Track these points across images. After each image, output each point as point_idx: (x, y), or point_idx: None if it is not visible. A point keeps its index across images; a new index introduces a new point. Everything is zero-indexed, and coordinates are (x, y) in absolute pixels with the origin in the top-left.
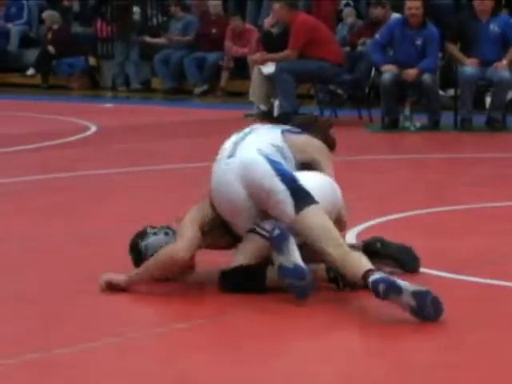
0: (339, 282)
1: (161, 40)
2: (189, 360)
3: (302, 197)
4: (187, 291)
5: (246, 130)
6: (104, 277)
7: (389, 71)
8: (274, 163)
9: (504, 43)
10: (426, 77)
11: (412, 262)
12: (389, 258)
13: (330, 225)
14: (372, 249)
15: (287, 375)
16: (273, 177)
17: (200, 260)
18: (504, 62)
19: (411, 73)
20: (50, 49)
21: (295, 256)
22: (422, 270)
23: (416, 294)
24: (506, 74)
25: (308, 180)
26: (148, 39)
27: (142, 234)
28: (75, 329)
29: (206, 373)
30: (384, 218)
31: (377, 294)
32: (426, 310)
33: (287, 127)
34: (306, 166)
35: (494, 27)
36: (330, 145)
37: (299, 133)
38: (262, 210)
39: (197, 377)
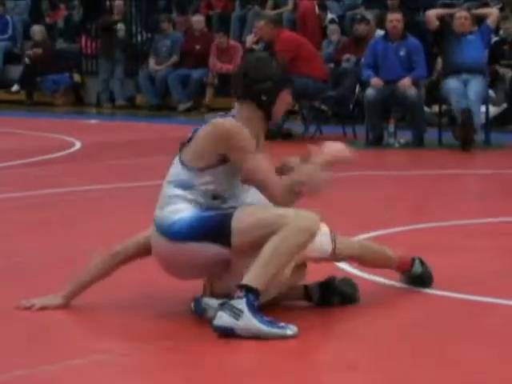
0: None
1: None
2: (174, 377)
3: (217, 228)
4: (173, 308)
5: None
6: (37, 304)
7: (376, 85)
8: (165, 231)
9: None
10: (412, 92)
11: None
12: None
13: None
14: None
15: None
16: (176, 247)
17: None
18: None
19: (405, 81)
20: (27, 60)
21: (212, 302)
22: (404, 286)
23: None
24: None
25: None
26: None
27: None
28: (62, 346)
29: None
30: (367, 235)
31: None
32: None
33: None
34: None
35: (471, 38)
36: (281, 86)
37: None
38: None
39: None
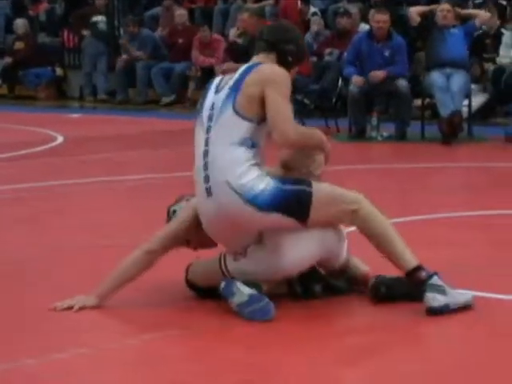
0: (299, 291)
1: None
2: (158, 371)
3: (296, 203)
4: (157, 301)
5: (216, 98)
6: (75, 304)
7: (358, 84)
8: (251, 200)
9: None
10: (401, 84)
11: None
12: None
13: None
14: (378, 295)
15: None
16: (260, 216)
17: (168, 270)
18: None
19: (378, 74)
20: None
21: (245, 289)
22: None
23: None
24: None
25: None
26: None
27: (178, 199)
28: (43, 339)
29: None
30: (350, 228)
31: None
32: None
33: (246, 69)
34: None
35: (454, 31)
36: (301, 56)
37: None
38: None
39: None
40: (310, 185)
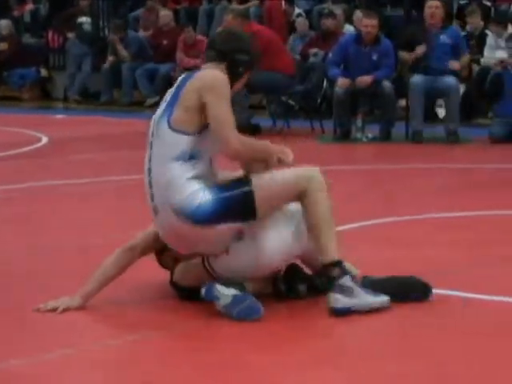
0: (283, 289)
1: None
2: (142, 372)
3: (240, 207)
4: (141, 303)
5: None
6: (60, 306)
7: (343, 86)
8: (194, 220)
9: (455, 53)
10: (385, 85)
11: (414, 295)
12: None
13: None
14: None
15: None
16: (207, 231)
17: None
18: (456, 63)
19: (365, 79)
20: None
21: (227, 291)
22: None
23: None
24: (452, 82)
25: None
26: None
27: None
28: (30, 340)
29: None
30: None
31: None
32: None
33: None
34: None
35: (444, 38)
36: (253, 65)
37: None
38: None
39: None
40: (249, 184)
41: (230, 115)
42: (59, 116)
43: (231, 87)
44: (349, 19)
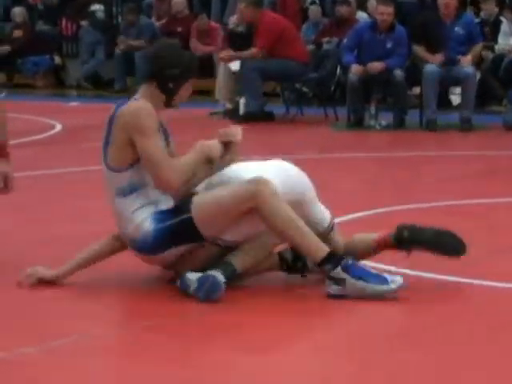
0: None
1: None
2: (152, 357)
3: (184, 233)
4: (148, 289)
5: None
6: (34, 273)
7: (357, 73)
8: (144, 251)
9: (469, 42)
10: (397, 73)
11: (449, 247)
12: (421, 247)
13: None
14: (400, 238)
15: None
16: (162, 257)
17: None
18: (469, 57)
19: (376, 65)
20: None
21: (194, 275)
22: (381, 266)
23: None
24: (470, 70)
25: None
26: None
27: None
28: (38, 327)
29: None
30: (350, 216)
31: None
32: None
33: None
34: None
35: (458, 29)
36: (187, 76)
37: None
38: None
39: (155, 375)
40: (188, 210)
41: (159, 151)
42: (73, 103)
43: (171, 100)
44: (361, 6)
